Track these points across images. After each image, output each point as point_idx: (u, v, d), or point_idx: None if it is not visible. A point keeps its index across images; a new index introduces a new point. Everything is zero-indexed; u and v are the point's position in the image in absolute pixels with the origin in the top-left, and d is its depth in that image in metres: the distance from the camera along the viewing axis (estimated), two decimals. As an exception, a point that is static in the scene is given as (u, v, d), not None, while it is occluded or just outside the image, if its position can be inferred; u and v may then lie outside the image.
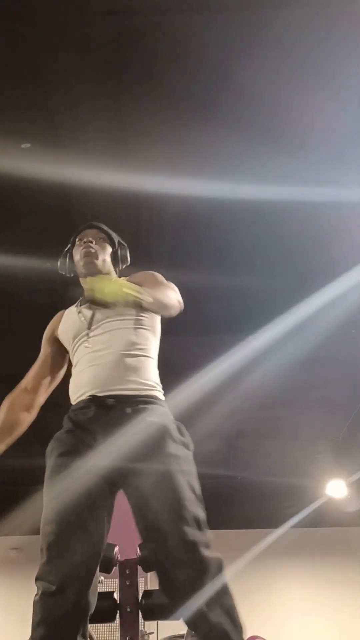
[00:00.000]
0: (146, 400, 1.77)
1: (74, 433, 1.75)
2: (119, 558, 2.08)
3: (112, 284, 1.68)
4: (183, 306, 1.92)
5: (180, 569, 1.48)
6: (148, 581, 2.49)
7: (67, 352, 2.05)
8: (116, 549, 2.05)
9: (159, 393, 1.85)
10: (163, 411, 1.79)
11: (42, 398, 2.12)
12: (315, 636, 6.36)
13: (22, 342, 4.28)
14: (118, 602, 2.05)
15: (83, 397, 1.80)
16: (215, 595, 1.46)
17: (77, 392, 1.84)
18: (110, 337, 1.87)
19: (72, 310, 2.06)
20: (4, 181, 2.82)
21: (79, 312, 1.99)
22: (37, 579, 1.53)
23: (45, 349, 2.14)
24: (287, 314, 3.57)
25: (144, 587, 2.16)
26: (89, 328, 1.91)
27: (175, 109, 2.65)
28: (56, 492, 1.62)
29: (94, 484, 1.62)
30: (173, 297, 1.89)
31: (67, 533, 1.54)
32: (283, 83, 2.55)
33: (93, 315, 1.94)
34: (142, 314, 1.92)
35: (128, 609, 2.03)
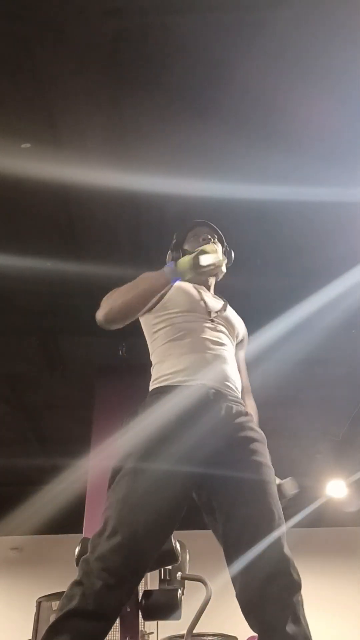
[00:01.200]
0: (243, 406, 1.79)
1: (194, 421, 1.62)
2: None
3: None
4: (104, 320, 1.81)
5: (274, 582, 1.46)
6: (148, 581, 2.49)
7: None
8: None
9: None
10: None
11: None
12: (315, 636, 6.35)
13: (22, 342, 4.29)
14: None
15: (196, 383, 1.70)
16: (298, 610, 1.50)
17: (193, 375, 1.73)
18: (229, 342, 1.88)
19: (185, 284, 1.94)
20: (4, 181, 2.82)
21: (199, 292, 1.94)
22: (92, 559, 1.43)
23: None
24: (287, 314, 3.57)
25: (144, 587, 2.16)
26: (215, 313, 1.89)
27: (175, 109, 2.65)
28: (151, 483, 1.52)
29: (184, 485, 1.56)
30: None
31: (150, 532, 1.47)
32: (283, 83, 2.55)
33: (222, 309, 1.94)
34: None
35: (128, 609, 2.03)
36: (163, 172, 2.88)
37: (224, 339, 1.86)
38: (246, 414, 1.75)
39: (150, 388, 1.79)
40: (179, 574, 2.29)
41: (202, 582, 2.63)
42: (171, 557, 1.91)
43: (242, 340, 2.03)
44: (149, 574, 2.10)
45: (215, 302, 1.97)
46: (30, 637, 4.72)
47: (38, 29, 2.33)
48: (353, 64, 2.49)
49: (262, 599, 1.44)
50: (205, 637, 4.07)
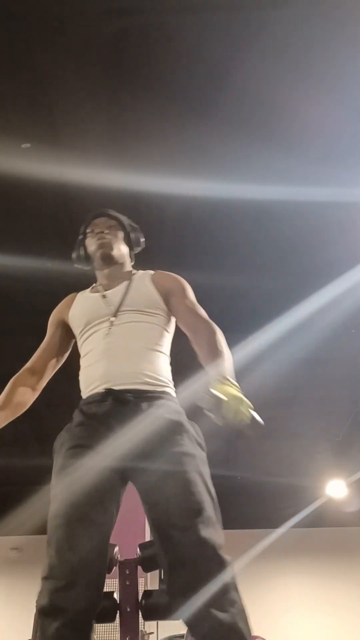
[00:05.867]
0: (161, 397, 1.74)
1: (88, 426, 1.70)
2: (119, 558, 2.07)
3: (242, 403, 1.55)
4: None
5: (191, 567, 1.45)
6: (148, 581, 2.49)
7: (73, 337, 2.01)
8: (116, 549, 2.05)
9: (171, 390, 1.82)
10: (177, 409, 1.76)
11: (45, 380, 2.07)
12: (315, 636, 6.36)
13: (22, 342, 4.29)
14: (118, 602, 2.05)
15: (97, 390, 1.75)
16: (224, 596, 1.42)
17: (91, 384, 1.79)
18: (132, 330, 1.83)
19: (88, 295, 2.02)
20: (4, 181, 2.82)
21: (104, 297, 1.94)
22: (44, 578, 1.48)
23: (51, 331, 2.10)
24: (287, 314, 3.57)
25: (144, 587, 2.16)
26: (114, 315, 1.86)
27: (175, 108, 2.65)
28: (65, 485, 1.60)
29: (105, 476, 1.59)
30: (210, 324, 1.85)
31: (77, 526, 1.51)
32: (282, 83, 2.55)
33: (121, 303, 1.89)
34: (164, 314, 1.91)
35: (128, 609, 2.03)
36: (163, 172, 2.88)
37: (128, 329, 1.83)
38: (150, 398, 1.71)
39: None
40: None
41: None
42: (153, 563, 1.90)
43: (167, 295, 1.93)
44: (149, 574, 2.10)
45: (114, 297, 1.93)
46: (30, 637, 4.72)
47: (38, 29, 2.33)
48: (353, 64, 2.49)
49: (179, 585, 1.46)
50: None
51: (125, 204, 3.12)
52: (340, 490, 6.37)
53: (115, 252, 2.03)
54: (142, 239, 2.15)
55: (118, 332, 1.83)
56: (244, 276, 3.55)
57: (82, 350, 1.91)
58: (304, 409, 5.16)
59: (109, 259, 2.02)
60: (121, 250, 2.06)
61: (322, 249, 3.48)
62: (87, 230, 2.10)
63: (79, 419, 1.75)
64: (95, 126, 2.74)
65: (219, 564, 1.44)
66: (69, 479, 1.60)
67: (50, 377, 2.07)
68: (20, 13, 2.26)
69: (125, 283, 1.96)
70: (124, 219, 2.13)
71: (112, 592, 2.09)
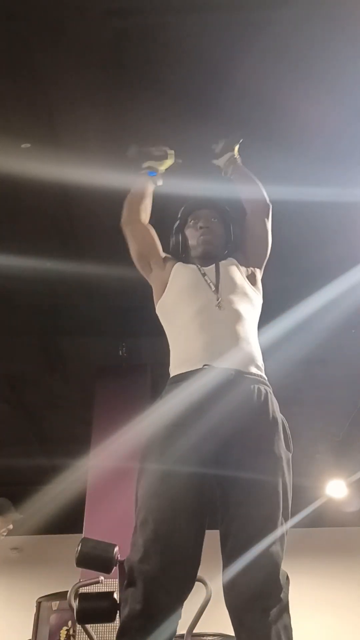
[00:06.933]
0: (265, 383, 1.70)
1: (190, 408, 1.58)
2: (119, 558, 2.08)
3: None
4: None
5: (257, 603, 1.40)
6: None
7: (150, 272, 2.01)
8: (116, 549, 2.05)
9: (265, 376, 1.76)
10: (274, 400, 1.70)
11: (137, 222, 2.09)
12: (315, 636, 6.36)
13: (22, 342, 4.29)
14: (118, 602, 2.05)
15: (198, 367, 1.65)
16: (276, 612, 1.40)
17: (196, 358, 1.68)
18: (237, 311, 1.78)
19: (185, 266, 1.98)
20: (4, 181, 2.82)
21: (204, 275, 1.90)
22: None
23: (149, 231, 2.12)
24: (287, 314, 3.56)
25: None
26: (217, 291, 1.82)
27: (175, 108, 2.65)
28: (164, 482, 1.51)
29: (201, 481, 1.52)
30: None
31: (171, 531, 1.46)
32: (283, 83, 2.55)
33: (219, 282, 1.86)
34: (259, 300, 1.93)
35: (128, 609, 2.03)
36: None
37: (235, 312, 1.79)
38: (258, 390, 1.64)
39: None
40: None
41: (202, 582, 2.63)
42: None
43: (255, 255, 2.07)
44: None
45: (211, 275, 1.91)
46: (30, 637, 4.71)
47: (38, 29, 2.33)
48: (353, 64, 2.49)
49: (244, 619, 1.41)
50: (205, 637, 4.06)
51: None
52: (340, 491, 6.37)
53: (214, 249, 2.02)
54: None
55: (225, 309, 1.78)
56: (244, 276, 3.54)
57: (175, 320, 1.85)
58: (304, 409, 5.15)
59: (209, 257, 1.99)
60: (220, 245, 2.05)
61: (322, 249, 3.48)
62: (190, 220, 2.08)
63: (176, 392, 1.64)
64: (95, 126, 2.74)
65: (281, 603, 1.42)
66: (166, 476, 1.53)
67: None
68: (20, 13, 2.26)
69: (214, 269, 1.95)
70: (226, 208, 2.11)
71: (112, 592, 2.09)
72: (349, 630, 6.41)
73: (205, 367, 1.64)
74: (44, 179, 2.84)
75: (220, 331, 1.73)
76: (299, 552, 7.02)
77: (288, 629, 1.40)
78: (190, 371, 1.66)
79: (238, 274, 1.95)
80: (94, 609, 2.07)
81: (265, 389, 1.68)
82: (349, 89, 2.60)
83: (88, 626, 2.31)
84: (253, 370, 1.70)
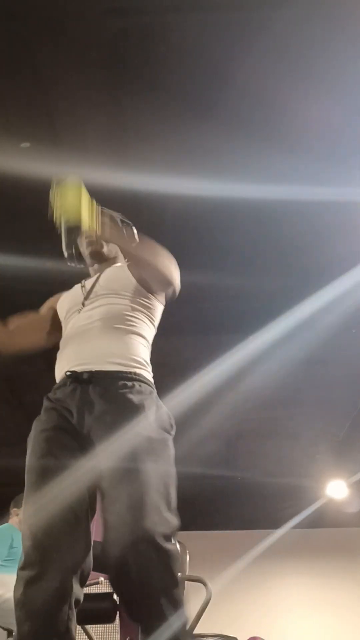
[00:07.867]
0: (131, 378, 1.66)
1: (52, 411, 1.69)
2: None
3: (74, 200, 1.63)
4: (177, 288, 1.82)
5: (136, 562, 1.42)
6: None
7: (59, 329, 1.96)
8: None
9: (145, 372, 1.72)
10: (146, 389, 1.66)
11: (17, 342, 2.10)
12: (315, 636, 6.36)
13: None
14: (117, 603, 2.05)
15: (62, 374, 1.75)
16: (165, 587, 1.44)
17: (60, 370, 1.78)
18: (103, 310, 1.78)
19: (76, 285, 2.01)
20: (4, 181, 2.82)
21: (82, 286, 1.93)
22: (18, 569, 1.46)
23: (42, 309, 2.12)
24: (287, 314, 3.57)
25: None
26: (85, 299, 1.84)
27: (175, 108, 2.65)
28: (39, 479, 1.60)
29: (76, 473, 1.56)
30: (168, 266, 1.79)
31: (52, 518, 1.48)
32: (283, 83, 2.55)
33: (93, 287, 1.87)
34: (144, 298, 1.84)
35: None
36: (163, 172, 2.87)
37: (98, 311, 1.78)
38: (115, 379, 1.64)
39: None
40: (179, 574, 2.29)
41: (202, 583, 2.63)
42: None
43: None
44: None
45: (89, 283, 1.92)
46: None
47: (38, 29, 2.33)
48: (353, 64, 2.49)
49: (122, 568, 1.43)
50: (205, 638, 4.07)
51: (125, 203, 3.12)
52: (341, 491, 6.37)
53: (104, 250, 2.01)
54: (136, 235, 2.09)
55: (86, 315, 1.79)
56: (244, 276, 3.54)
57: (61, 343, 1.90)
58: (304, 409, 5.16)
59: (98, 256, 2.01)
60: (111, 247, 2.03)
61: (322, 249, 3.48)
62: None
63: (46, 404, 1.74)
64: (95, 126, 2.74)
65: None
66: (42, 474, 1.63)
67: (20, 346, 2.10)
68: (20, 13, 2.26)
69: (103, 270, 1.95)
70: (115, 215, 2.10)
71: (112, 594, 2.09)
72: (349, 630, 6.40)
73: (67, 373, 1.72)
74: (44, 178, 2.84)
75: (79, 335, 1.78)
76: (299, 552, 7.03)
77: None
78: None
79: (119, 272, 1.94)
80: (94, 609, 2.07)
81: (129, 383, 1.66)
82: (349, 89, 2.59)
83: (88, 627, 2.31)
84: (108, 367, 1.68)
